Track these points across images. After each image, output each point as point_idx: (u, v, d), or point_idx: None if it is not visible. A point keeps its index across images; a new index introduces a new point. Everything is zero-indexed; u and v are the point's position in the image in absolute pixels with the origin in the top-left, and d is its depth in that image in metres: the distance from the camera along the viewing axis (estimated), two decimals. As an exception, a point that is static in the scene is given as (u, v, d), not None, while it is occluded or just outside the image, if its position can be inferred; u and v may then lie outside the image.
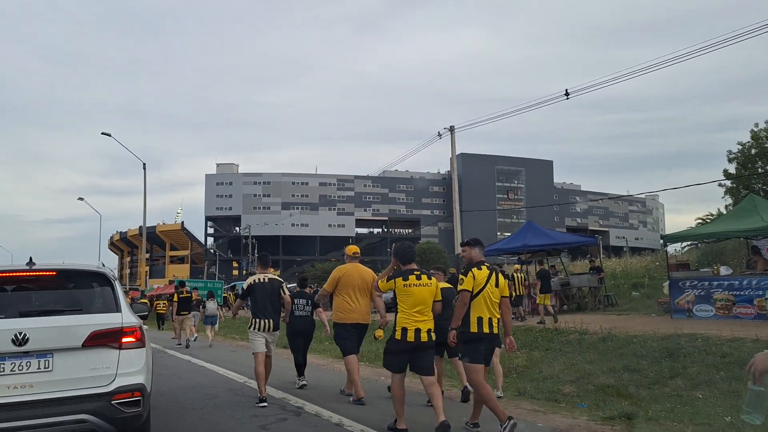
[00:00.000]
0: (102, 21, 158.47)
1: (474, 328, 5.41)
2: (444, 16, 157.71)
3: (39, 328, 4.37)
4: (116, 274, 5.15)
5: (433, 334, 5.63)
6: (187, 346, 15.76)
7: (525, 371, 10.16)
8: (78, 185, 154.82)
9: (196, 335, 17.94)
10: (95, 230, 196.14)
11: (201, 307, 18.36)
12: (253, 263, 62.77)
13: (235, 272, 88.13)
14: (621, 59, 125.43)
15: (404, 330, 5.51)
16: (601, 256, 32.25)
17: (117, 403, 4.37)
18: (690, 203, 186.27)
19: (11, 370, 4.26)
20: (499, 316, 5.57)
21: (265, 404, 6.90)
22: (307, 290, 9.27)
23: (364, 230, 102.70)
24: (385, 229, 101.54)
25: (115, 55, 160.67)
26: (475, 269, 5.51)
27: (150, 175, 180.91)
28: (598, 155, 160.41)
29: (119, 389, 4.42)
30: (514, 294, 15.25)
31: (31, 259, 4.89)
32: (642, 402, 7.40)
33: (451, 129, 21.57)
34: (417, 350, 5.54)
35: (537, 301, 15.96)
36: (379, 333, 7.24)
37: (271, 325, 7.34)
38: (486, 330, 5.41)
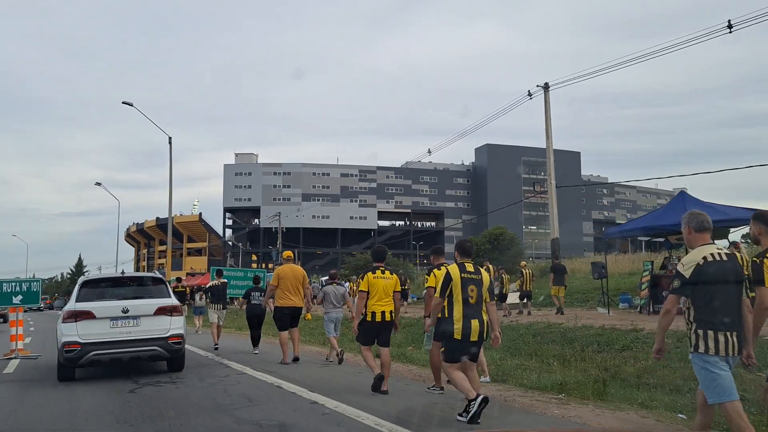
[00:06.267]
0: (118, 16, 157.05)
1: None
2: (457, 9, 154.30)
3: (132, 304, 8.74)
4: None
5: (393, 315, 7.34)
6: None
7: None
8: (95, 179, 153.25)
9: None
10: (111, 223, 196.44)
11: (191, 299, 21.97)
12: (282, 253, 60.86)
13: (254, 264, 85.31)
14: (641, 52, 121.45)
15: (373, 313, 7.25)
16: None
17: (170, 342, 8.70)
18: (716, 198, 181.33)
19: (121, 325, 8.59)
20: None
21: (216, 348, 12.71)
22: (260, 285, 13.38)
23: (386, 223, 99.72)
24: (408, 222, 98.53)
25: (131, 50, 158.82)
26: (435, 270, 7.10)
27: (167, 170, 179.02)
28: (622, 150, 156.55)
29: (171, 335, 8.74)
30: (526, 287, 17.47)
31: (123, 271, 11.81)
32: None
33: (545, 87, 18.47)
34: (382, 328, 7.30)
35: (551, 293, 17.05)
36: (308, 316, 11.10)
37: (221, 306, 13.49)
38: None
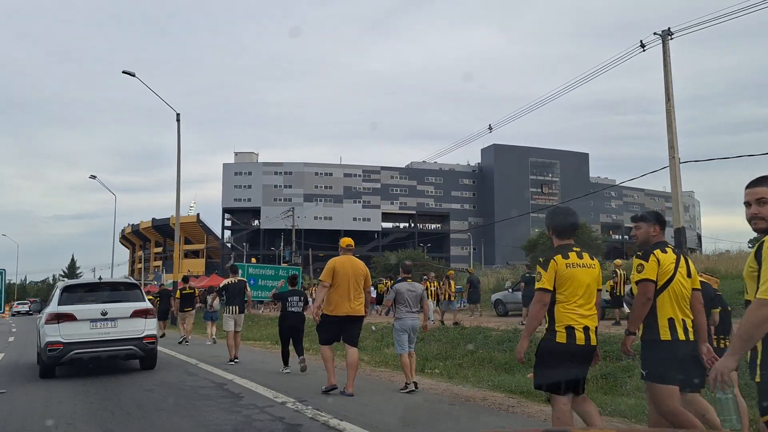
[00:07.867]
0: (113, 20, 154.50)
1: (665, 334, 3.85)
2: (453, 14, 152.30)
3: (111, 308, 9.55)
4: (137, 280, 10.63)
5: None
6: (187, 342, 16.20)
7: None
8: (88, 181, 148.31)
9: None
10: (105, 225, 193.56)
11: (202, 302, 19.98)
12: (298, 255, 57.61)
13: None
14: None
15: (570, 329, 3.94)
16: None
17: (145, 342, 9.60)
18: (722, 205, 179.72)
19: (100, 326, 9.37)
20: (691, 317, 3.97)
21: (235, 362, 10.95)
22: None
23: (389, 224, 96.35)
24: (412, 224, 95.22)
25: (129, 52, 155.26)
26: (658, 251, 3.98)
27: (161, 172, 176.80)
28: (625, 155, 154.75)
29: (146, 335, 9.63)
30: (619, 292, 14.53)
31: (100, 277, 12.60)
32: None
33: (667, 34, 14.87)
34: (583, 358, 4.02)
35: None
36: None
37: (237, 310, 11.41)
38: (681, 336, 3.84)
